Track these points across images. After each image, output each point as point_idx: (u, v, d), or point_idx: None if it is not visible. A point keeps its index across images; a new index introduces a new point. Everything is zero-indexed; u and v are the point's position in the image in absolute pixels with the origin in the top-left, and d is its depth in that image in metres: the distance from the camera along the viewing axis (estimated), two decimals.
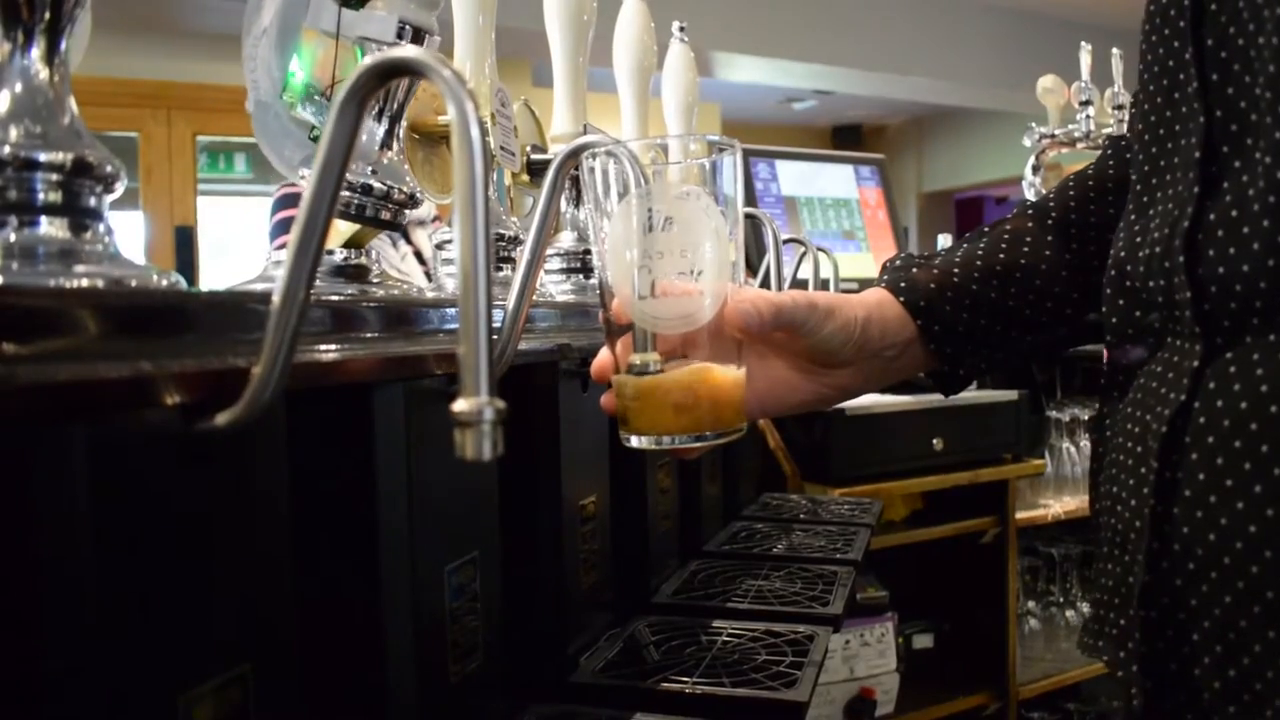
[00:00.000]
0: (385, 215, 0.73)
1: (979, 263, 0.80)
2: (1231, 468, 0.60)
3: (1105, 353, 0.75)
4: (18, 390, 0.37)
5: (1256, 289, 0.60)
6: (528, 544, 0.87)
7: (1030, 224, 0.82)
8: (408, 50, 0.43)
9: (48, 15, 0.50)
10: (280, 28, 0.73)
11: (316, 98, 0.74)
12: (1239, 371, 0.60)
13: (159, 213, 5.19)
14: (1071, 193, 0.84)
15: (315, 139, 0.76)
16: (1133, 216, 0.70)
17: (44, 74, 0.50)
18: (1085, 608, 2.51)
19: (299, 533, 0.58)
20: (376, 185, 0.72)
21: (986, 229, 0.83)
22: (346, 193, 0.71)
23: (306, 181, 0.45)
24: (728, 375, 0.66)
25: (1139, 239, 0.69)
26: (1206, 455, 0.61)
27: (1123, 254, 0.71)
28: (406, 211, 0.75)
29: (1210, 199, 0.63)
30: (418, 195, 0.75)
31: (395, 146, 0.76)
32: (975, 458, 2.15)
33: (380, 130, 0.75)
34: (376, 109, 0.74)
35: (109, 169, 0.51)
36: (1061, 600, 2.59)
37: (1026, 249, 0.80)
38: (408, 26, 0.72)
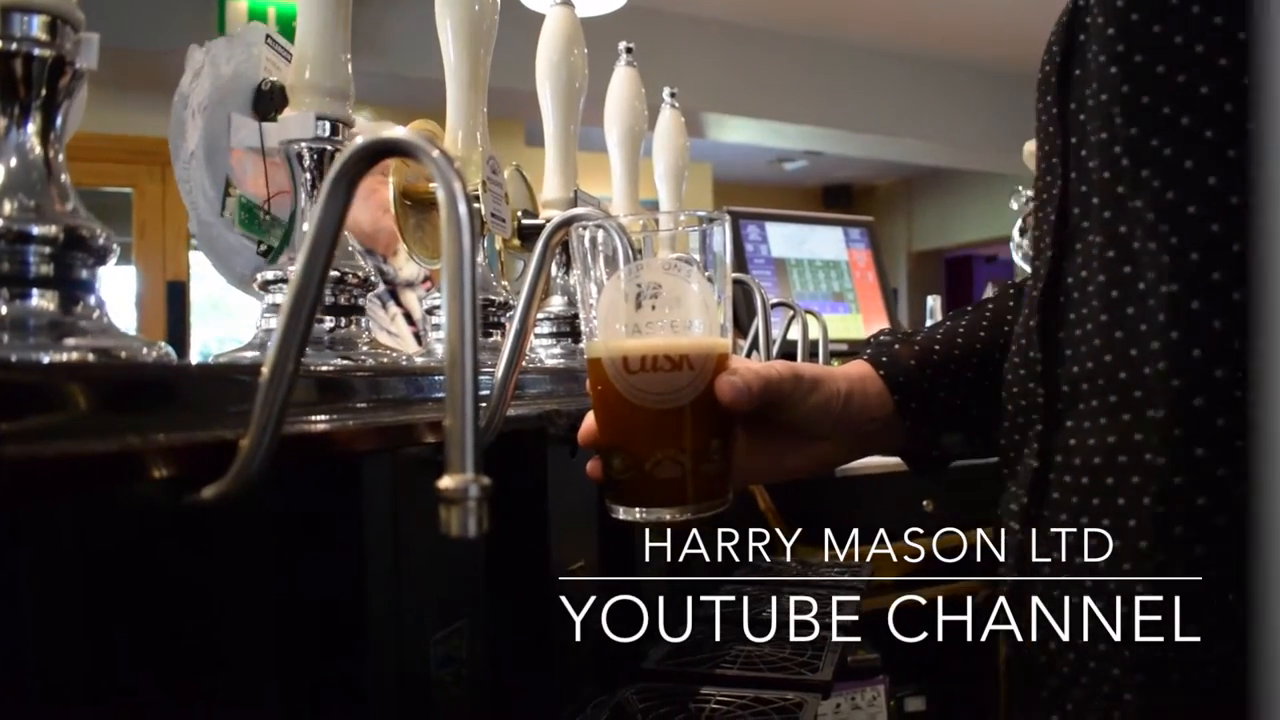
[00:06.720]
0: (343, 300, 0.73)
1: (959, 340, 0.80)
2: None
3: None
4: (5, 466, 0.37)
5: (1093, 349, 0.61)
6: (515, 611, 0.86)
7: (1011, 303, 0.81)
8: (396, 131, 0.43)
9: (44, 92, 0.51)
10: (206, 150, 0.74)
11: (257, 212, 0.75)
12: (1077, 444, 0.62)
13: (151, 268, 5.20)
14: None
15: (264, 254, 0.76)
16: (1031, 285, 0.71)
17: (39, 149, 0.51)
18: None
19: (284, 604, 0.58)
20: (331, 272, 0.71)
21: (970, 308, 0.84)
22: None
23: (294, 265, 0.45)
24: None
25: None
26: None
27: (1020, 326, 0.71)
28: (366, 294, 0.75)
29: (1066, 260, 0.64)
30: (372, 280, 0.75)
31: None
32: (965, 518, 2.14)
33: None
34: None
35: (101, 241, 0.51)
36: None
37: (1007, 328, 0.80)
38: (325, 122, 0.73)
